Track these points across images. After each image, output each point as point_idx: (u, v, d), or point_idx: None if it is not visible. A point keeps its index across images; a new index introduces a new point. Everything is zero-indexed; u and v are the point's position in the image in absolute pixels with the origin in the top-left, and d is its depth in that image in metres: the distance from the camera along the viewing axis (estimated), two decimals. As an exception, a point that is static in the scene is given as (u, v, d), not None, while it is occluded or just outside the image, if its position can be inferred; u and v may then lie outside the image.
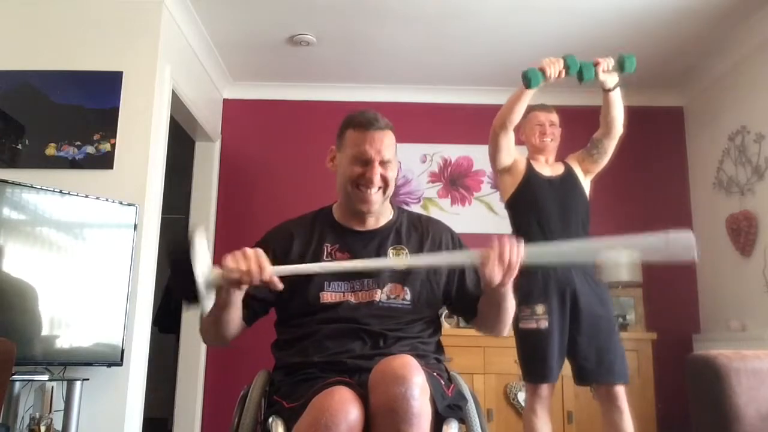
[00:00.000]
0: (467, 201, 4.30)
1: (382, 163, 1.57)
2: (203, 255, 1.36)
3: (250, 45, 3.88)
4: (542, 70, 2.28)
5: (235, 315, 1.51)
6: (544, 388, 2.45)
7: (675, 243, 1.38)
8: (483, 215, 4.24)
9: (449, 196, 4.31)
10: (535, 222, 2.53)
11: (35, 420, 2.53)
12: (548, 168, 2.63)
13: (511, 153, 2.59)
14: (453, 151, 4.34)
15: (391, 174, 1.59)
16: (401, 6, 3.39)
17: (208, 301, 1.37)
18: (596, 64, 2.31)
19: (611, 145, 2.56)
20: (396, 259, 1.57)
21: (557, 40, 3.68)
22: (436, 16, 3.49)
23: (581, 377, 2.47)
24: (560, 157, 2.71)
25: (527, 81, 2.32)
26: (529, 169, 2.60)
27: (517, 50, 3.82)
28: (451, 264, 1.63)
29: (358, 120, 1.59)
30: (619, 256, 2.05)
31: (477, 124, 4.40)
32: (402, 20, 3.53)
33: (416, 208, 4.13)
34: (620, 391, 2.40)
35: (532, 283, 2.44)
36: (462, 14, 3.46)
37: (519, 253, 1.40)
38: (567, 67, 2.29)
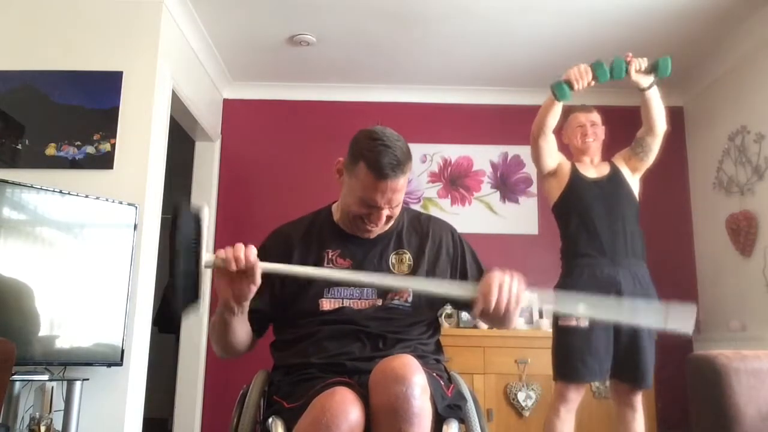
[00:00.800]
0: (467, 201, 4.30)
1: (391, 209, 1.54)
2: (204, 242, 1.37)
3: (250, 45, 3.88)
4: (569, 83, 2.28)
5: (241, 330, 1.51)
6: (572, 391, 2.40)
7: (674, 316, 1.43)
8: (483, 215, 4.25)
9: (449, 196, 4.31)
10: (582, 225, 2.51)
11: (35, 420, 2.53)
12: (593, 169, 2.61)
13: (554, 156, 2.57)
14: (453, 151, 4.34)
15: (397, 209, 1.56)
16: (401, 6, 3.39)
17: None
18: (628, 62, 2.29)
19: (656, 143, 2.54)
20: (392, 278, 1.55)
21: (557, 41, 3.68)
22: (436, 16, 3.49)
23: (613, 372, 2.44)
24: (606, 157, 2.69)
25: (555, 96, 2.32)
26: (574, 171, 2.58)
27: (517, 50, 3.82)
28: (449, 295, 1.61)
29: (375, 161, 1.45)
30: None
31: (477, 124, 4.42)
32: (402, 20, 3.53)
33: (416, 208, 4.13)
34: (639, 393, 2.41)
35: (574, 282, 2.43)
36: (462, 14, 3.46)
37: (520, 295, 1.39)
38: (596, 77, 2.28)
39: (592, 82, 2.29)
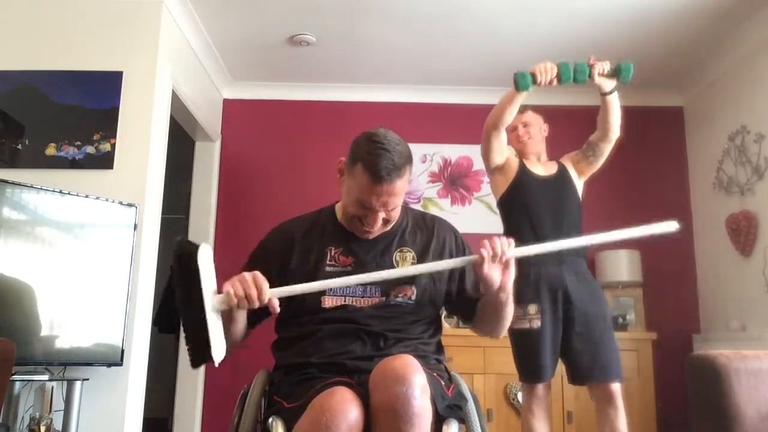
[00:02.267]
0: (467, 201, 4.30)
1: (388, 212, 1.54)
2: (209, 278, 1.37)
3: (250, 45, 3.88)
4: (533, 75, 2.29)
5: (240, 325, 1.53)
6: (540, 388, 2.46)
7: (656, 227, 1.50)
8: (483, 215, 4.24)
9: (449, 196, 4.31)
10: (527, 221, 2.54)
11: (35, 420, 2.53)
12: (541, 167, 2.64)
13: (503, 152, 2.60)
14: (453, 151, 4.34)
15: (395, 212, 1.56)
16: (401, 6, 3.39)
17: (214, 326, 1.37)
18: (591, 66, 2.30)
19: (607, 149, 2.56)
20: (395, 271, 1.55)
21: (557, 41, 3.68)
22: (436, 16, 3.49)
23: (575, 377, 2.48)
24: (556, 156, 2.71)
25: (516, 83, 2.32)
26: (522, 168, 2.60)
27: (517, 50, 3.82)
28: (449, 268, 1.63)
29: (372, 164, 1.46)
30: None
31: (477, 124, 4.38)
32: (402, 20, 3.53)
33: (416, 208, 4.13)
34: (616, 389, 2.39)
35: (523, 283, 2.44)
36: (462, 14, 3.46)
37: (510, 246, 1.46)
38: (560, 75, 2.28)
39: (555, 81, 2.28)
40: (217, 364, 1.35)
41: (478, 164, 4.31)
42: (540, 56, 3.83)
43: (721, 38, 3.66)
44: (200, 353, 1.33)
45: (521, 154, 2.68)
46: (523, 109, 2.64)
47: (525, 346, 2.46)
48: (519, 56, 3.89)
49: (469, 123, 4.34)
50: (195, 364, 1.35)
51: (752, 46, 3.56)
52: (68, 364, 2.69)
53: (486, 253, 1.44)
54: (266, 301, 1.37)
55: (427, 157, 4.34)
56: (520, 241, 2.47)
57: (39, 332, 2.62)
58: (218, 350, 1.34)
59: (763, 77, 3.48)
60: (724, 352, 1.64)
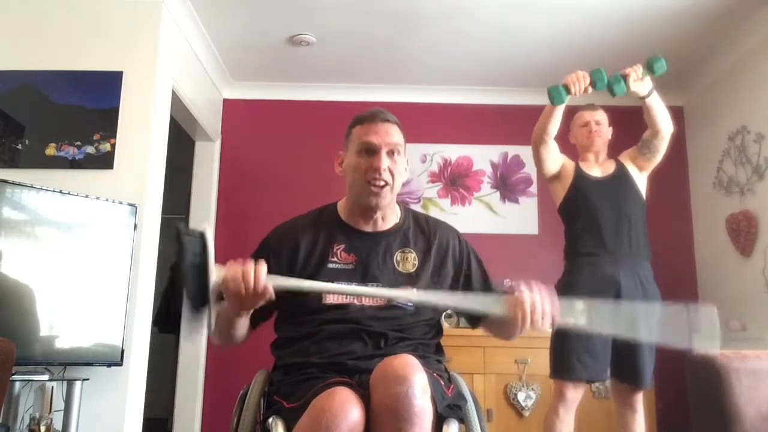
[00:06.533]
0: (467, 201, 4.30)
1: (389, 154, 1.56)
2: (212, 257, 1.35)
3: (250, 45, 3.88)
4: (566, 87, 2.28)
5: (240, 331, 1.53)
6: (570, 389, 2.40)
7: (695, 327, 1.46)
8: (483, 215, 4.25)
9: (449, 196, 4.31)
10: (588, 224, 2.50)
11: (35, 420, 2.53)
12: (598, 168, 2.61)
13: (556, 160, 2.59)
14: (453, 151, 4.34)
15: (398, 169, 1.58)
16: (401, 6, 3.39)
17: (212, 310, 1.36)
18: (625, 76, 2.28)
19: (663, 144, 2.54)
20: (406, 292, 1.53)
21: (557, 40, 3.68)
22: (436, 16, 3.48)
23: (612, 371, 2.44)
24: (613, 155, 2.69)
25: (551, 99, 2.32)
26: (578, 172, 2.58)
27: (518, 50, 3.82)
28: (473, 310, 1.61)
29: (364, 116, 1.61)
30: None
31: (477, 124, 4.42)
32: (402, 20, 3.53)
33: (416, 208, 4.11)
34: (639, 395, 2.41)
35: (575, 276, 2.42)
36: (462, 14, 3.46)
37: (553, 311, 1.40)
38: (594, 82, 2.28)
39: (590, 89, 2.28)
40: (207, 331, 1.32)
41: (478, 164, 4.32)
42: (540, 56, 3.86)
43: (721, 38, 3.66)
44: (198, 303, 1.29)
45: (583, 149, 2.66)
46: (596, 107, 2.65)
47: (564, 341, 2.41)
48: (519, 56, 3.90)
49: (469, 123, 4.35)
50: (195, 307, 1.30)
51: (752, 46, 3.56)
52: (68, 364, 2.69)
53: (522, 311, 1.38)
54: (261, 288, 1.33)
55: (427, 157, 4.34)
56: (580, 243, 2.49)
57: (39, 332, 2.62)
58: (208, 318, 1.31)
59: (763, 77, 3.47)
60: (724, 352, 1.65)
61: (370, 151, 1.56)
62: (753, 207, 3.53)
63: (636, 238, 2.48)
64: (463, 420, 1.45)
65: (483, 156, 4.33)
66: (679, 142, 4.35)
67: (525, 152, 3.94)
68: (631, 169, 2.60)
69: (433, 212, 4.15)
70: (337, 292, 1.50)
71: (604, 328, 1.78)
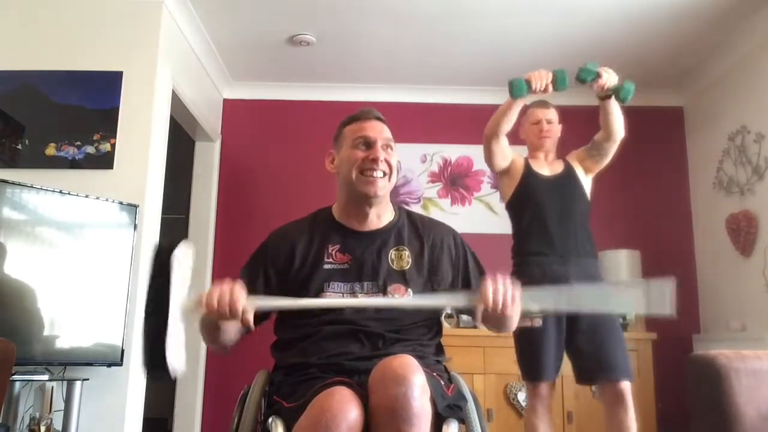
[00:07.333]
0: (467, 201, 4.30)
1: (384, 147, 1.60)
2: (183, 280, 1.35)
3: (250, 45, 3.88)
4: (528, 82, 2.29)
5: (229, 336, 1.54)
6: (543, 387, 2.44)
7: (652, 296, 1.48)
8: (483, 215, 4.24)
9: (449, 196, 4.31)
10: (535, 221, 2.53)
11: (35, 420, 2.53)
12: (547, 167, 2.63)
13: (506, 156, 2.60)
14: (453, 151, 4.34)
15: (394, 161, 1.62)
16: (401, 6, 3.39)
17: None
18: (599, 74, 2.29)
19: (612, 148, 2.54)
20: (393, 300, 1.55)
21: (557, 41, 3.68)
22: (436, 16, 3.49)
23: (581, 377, 2.47)
24: (562, 155, 2.71)
25: (511, 91, 2.32)
26: (527, 168, 2.60)
27: (517, 50, 3.82)
28: (449, 305, 1.66)
29: (356, 115, 1.66)
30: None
31: (477, 124, 4.38)
32: (402, 20, 3.53)
33: (416, 208, 4.13)
34: (625, 388, 2.37)
35: (525, 276, 2.43)
36: (462, 14, 3.46)
37: (514, 297, 1.43)
38: (555, 81, 2.27)
39: (550, 88, 2.28)
40: (174, 376, 1.32)
41: (478, 164, 4.31)
42: (540, 56, 3.86)
43: (721, 38, 3.66)
44: (156, 362, 1.29)
45: (533, 148, 2.67)
46: (548, 104, 2.65)
47: (527, 344, 2.45)
48: (519, 56, 3.90)
49: (469, 123, 4.34)
50: (151, 372, 1.32)
51: (752, 46, 3.56)
52: (68, 364, 2.69)
53: (486, 304, 1.42)
54: (239, 314, 1.35)
55: (427, 157, 4.34)
56: (528, 243, 2.50)
57: (39, 332, 2.63)
58: (176, 361, 1.31)
59: (763, 77, 3.48)
60: (724, 352, 1.65)
61: (367, 144, 1.60)
62: (753, 207, 3.53)
63: (582, 237, 2.51)
64: (463, 420, 1.45)
65: (483, 156, 4.32)
66: (679, 142, 4.36)
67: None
68: (578, 170, 2.62)
69: (433, 212, 4.15)
70: (325, 306, 1.51)
71: (560, 306, 1.82)
